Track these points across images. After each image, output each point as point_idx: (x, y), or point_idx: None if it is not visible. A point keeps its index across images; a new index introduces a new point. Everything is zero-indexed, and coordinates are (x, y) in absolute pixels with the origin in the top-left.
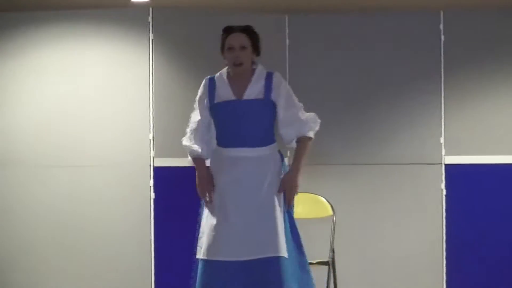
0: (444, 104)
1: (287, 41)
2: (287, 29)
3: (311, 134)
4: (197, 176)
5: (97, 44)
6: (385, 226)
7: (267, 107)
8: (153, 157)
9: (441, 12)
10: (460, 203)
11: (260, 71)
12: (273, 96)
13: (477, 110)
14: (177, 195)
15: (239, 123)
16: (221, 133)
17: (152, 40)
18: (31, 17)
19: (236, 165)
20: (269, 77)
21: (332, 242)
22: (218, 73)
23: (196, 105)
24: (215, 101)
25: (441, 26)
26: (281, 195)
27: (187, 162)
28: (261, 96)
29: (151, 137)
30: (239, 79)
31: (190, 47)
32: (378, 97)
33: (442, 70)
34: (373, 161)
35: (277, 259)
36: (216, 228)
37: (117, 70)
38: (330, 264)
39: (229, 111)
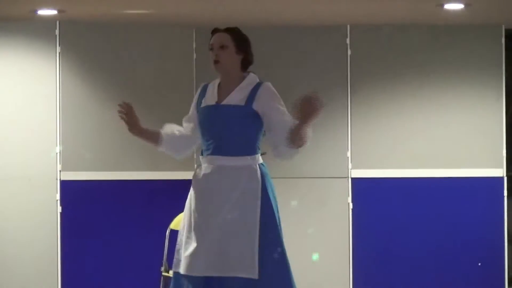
0: (351, 117)
1: (194, 55)
2: (194, 43)
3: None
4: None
5: (3, 56)
6: (294, 238)
7: (247, 115)
8: (60, 171)
9: (348, 26)
10: (366, 216)
11: (250, 80)
12: (256, 105)
13: (383, 124)
14: (85, 209)
15: (215, 128)
16: (201, 140)
17: (59, 53)
18: None
19: (210, 173)
20: (257, 86)
21: None
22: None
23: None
24: (201, 106)
25: (348, 40)
26: (256, 211)
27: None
28: (242, 103)
29: (58, 151)
30: (227, 86)
31: (98, 59)
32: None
33: (349, 84)
34: (282, 175)
35: (246, 281)
36: (187, 242)
37: (24, 82)
38: None
39: (207, 115)
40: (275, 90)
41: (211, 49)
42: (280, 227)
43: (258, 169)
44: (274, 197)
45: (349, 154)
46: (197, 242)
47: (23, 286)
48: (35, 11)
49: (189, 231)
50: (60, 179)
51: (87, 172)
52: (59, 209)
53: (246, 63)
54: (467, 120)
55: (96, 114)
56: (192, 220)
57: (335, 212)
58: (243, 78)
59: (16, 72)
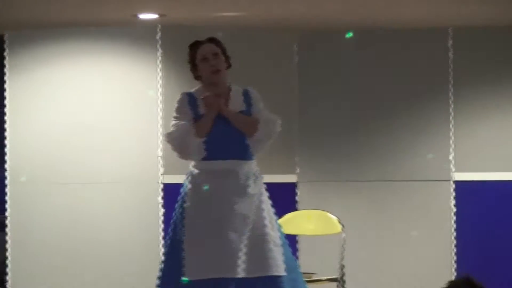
0: (454, 120)
1: (296, 58)
2: (296, 45)
3: (263, 124)
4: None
5: (106, 61)
6: (394, 242)
7: None
8: (162, 174)
9: (450, 29)
10: (470, 219)
11: (236, 88)
12: (253, 109)
13: (487, 127)
14: None
15: (227, 135)
16: (207, 146)
17: (161, 57)
18: (42, 35)
19: (225, 178)
20: (246, 92)
21: (342, 259)
22: (193, 90)
23: (176, 116)
24: (201, 112)
25: (450, 43)
26: (271, 210)
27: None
28: (244, 108)
29: (159, 154)
30: (219, 93)
31: None
32: (387, 114)
33: (451, 86)
34: (382, 178)
35: (275, 278)
36: (209, 245)
37: (126, 87)
38: (340, 281)
39: (218, 123)
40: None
41: (204, 59)
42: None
43: (259, 173)
44: None
45: (451, 156)
46: (223, 246)
47: (127, 287)
48: (137, 15)
49: (199, 235)
50: (162, 182)
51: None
52: (162, 212)
53: (228, 69)
54: None
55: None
56: (202, 226)
57: (438, 215)
58: (228, 84)
59: (118, 76)
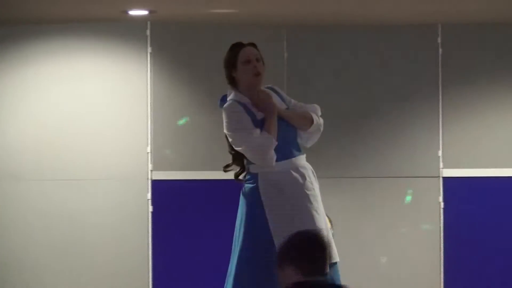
0: (442, 117)
1: (285, 54)
2: (285, 42)
3: (315, 115)
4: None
5: (95, 57)
6: (383, 238)
7: None
8: (151, 170)
9: (439, 25)
10: (458, 215)
11: (266, 89)
12: (290, 105)
13: (475, 123)
14: (176, 208)
15: (288, 133)
16: (279, 146)
17: (150, 53)
18: (30, 31)
19: (302, 174)
20: (274, 90)
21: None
22: (232, 96)
23: (239, 125)
24: (258, 118)
25: (439, 40)
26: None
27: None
28: (285, 106)
29: (149, 150)
30: (251, 97)
31: (188, 60)
32: (375, 110)
33: (440, 83)
34: (371, 174)
35: (335, 265)
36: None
37: (115, 83)
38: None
39: (281, 123)
40: None
41: (247, 61)
42: None
43: None
44: None
45: (440, 153)
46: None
47: (115, 284)
48: (127, 11)
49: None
50: (151, 179)
51: (178, 172)
52: (150, 208)
53: None
54: None
55: (186, 114)
56: (289, 221)
57: (427, 211)
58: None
59: (107, 72)
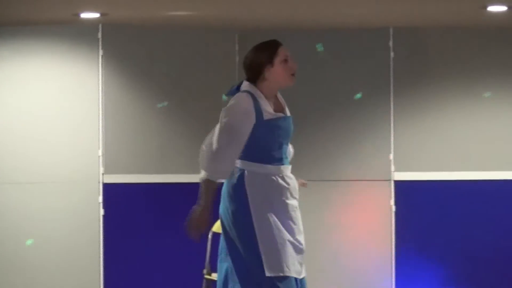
0: (394, 120)
1: (237, 57)
2: (237, 45)
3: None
4: (199, 206)
5: (46, 60)
6: (336, 241)
7: None
8: (103, 174)
9: (391, 29)
10: (409, 219)
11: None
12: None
13: (427, 127)
14: (127, 211)
15: (288, 139)
16: (273, 150)
17: (102, 56)
18: None
19: (291, 181)
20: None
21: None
22: (247, 89)
23: (232, 120)
24: (265, 118)
25: (391, 43)
26: None
27: (198, 178)
28: (289, 113)
29: (100, 154)
30: (270, 97)
31: (140, 63)
32: (328, 114)
33: (392, 86)
34: (324, 178)
35: (304, 279)
36: (289, 244)
37: (67, 85)
38: None
39: (287, 126)
40: None
41: (286, 60)
42: None
43: None
44: None
45: (391, 157)
46: (297, 247)
47: (66, 286)
48: (78, 14)
49: (289, 236)
50: (102, 182)
51: (129, 175)
52: (102, 211)
53: None
54: None
55: (138, 117)
56: (287, 226)
57: (378, 214)
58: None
59: (58, 75)
